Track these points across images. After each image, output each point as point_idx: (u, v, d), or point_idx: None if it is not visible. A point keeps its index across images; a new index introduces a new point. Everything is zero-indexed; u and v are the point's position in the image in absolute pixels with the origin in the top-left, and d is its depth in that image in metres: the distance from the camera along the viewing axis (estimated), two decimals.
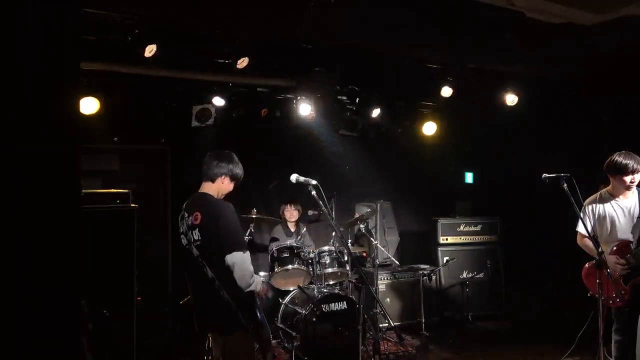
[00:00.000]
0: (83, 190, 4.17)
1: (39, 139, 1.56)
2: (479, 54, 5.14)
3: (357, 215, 6.27)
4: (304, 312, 4.78)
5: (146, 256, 5.08)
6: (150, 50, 4.20)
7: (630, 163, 3.96)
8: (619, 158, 4.01)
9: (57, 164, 1.58)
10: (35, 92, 1.56)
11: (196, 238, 3.20)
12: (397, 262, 6.27)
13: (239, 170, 3.37)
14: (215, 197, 3.30)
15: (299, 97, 5.92)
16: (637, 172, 3.98)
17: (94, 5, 3.74)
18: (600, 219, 4.20)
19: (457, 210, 7.14)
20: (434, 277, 6.14)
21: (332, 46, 4.85)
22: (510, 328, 6.31)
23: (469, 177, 7.70)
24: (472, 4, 3.79)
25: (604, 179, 5.47)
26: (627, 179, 3.98)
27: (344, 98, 6.22)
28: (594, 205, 4.27)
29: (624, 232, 4.08)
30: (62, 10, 1.60)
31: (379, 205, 6.55)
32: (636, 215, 4.06)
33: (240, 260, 3.08)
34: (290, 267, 5.27)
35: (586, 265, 4.22)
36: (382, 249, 6.19)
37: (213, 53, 4.62)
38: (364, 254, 6.47)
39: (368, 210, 6.50)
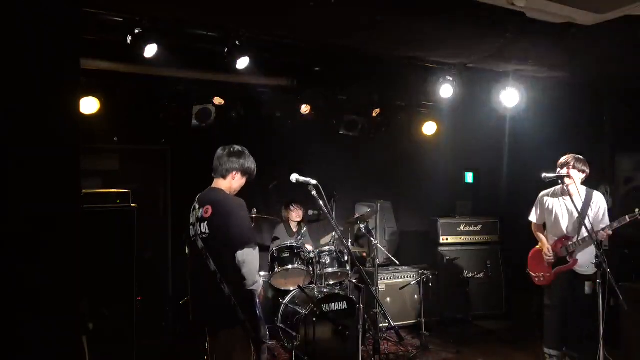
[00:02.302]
0: (83, 190, 4.17)
1: (39, 139, 1.56)
2: (479, 54, 5.13)
3: (357, 215, 6.27)
4: (304, 312, 4.78)
5: (146, 256, 5.08)
6: (150, 50, 4.20)
7: (570, 160, 4.56)
8: (570, 154, 4.62)
9: (57, 164, 1.58)
10: (35, 92, 1.56)
11: (204, 231, 3.22)
12: (397, 262, 6.28)
13: (251, 164, 3.38)
14: (227, 193, 3.32)
15: (299, 97, 5.92)
16: (570, 168, 4.53)
17: (94, 5, 3.74)
18: (547, 212, 4.78)
19: (457, 210, 7.14)
20: (433, 277, 6.14)
21: (332, 46, 4.85)
22: (510, 328, 6.31)
23: (469, 177, 7.70)
24: (472, 4, 3.78)
25: (603, 179, 5.49)
26: (562, 170, 4.54)
27: (344, 98, 6.23)
28: (546, 197, 4.84)
29: (566, 228, 4.67)
30: (62, 10, 1.60)
31: (379, 205, 6.55)
32: (576, 215, 4.53)
33: (251, 257, 3.12)
34: (290, 267, 5.27)
35: (536, 247, 4.94)
36: (382, 249, 6.19)
37: (213, 53, 4.62)
38: (364, 254, 6.47)
39: (368, 210, 6.50)
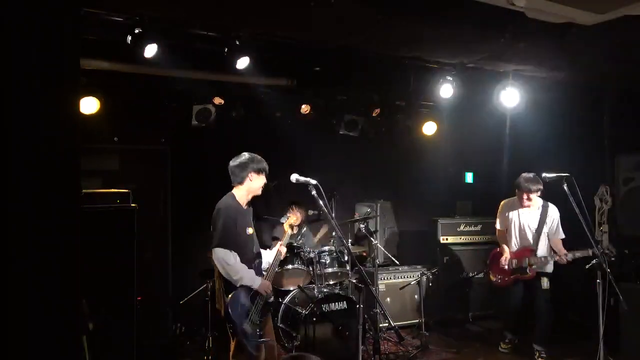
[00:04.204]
0: (83, 190, 4.17)
1: (39, 139, 1.56)
2: (479, 54, 5.13)
3: (357, 215, 6.27)
4: (304, 312, 4.78)
5: (146, 256, 5.08)
6: (150, 50, 4.20)
7: (530, 186, 4.96)
8: (525, 179, 5.01)
9: (57, 164, 1.58)
10: (35, 92, 1.56)
11: (212, 230, 3.64)
12: (397, 262, 6.27)
13: (261, 164, 3.74)
14: (240, 194, 3.70)
15: (299, 97, 5.91)
16: (532, 193, 4.98)
17: (94, 5, 3.74)
18: (507, 221, 5.31)
19: (457, 210, 7.14)
20: (433, 277, 6.14)
21: (332, 46, 4.85)
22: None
23: (469, 177, 7.69)
24: (472, 4, 3.78)
25: (603, 179, 5.49)
26: (524, 196, 5.03)
27: (344, 98, 6.23)
28: (506, 207, 5.36)
29: (523, 238, 5.17)
30: (62, 10, 1.60)
31: (379, 205, 6.55)
32: (534, 228, 5.08)
33: (218, 256, 3.49)
34: (290, 267, 5.27)
35: (496, 249, 5.42)
36: (382, 249, 6.19)
37: (213, 53, 4.62)
38: (364, 254, 6.47)
39: (368, 210, 6.50)
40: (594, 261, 3.98)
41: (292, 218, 4.24)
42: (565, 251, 4.86)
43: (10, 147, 1.51)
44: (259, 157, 3.77)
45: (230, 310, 3.51)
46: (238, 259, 3.57)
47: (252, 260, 3.70)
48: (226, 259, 3.49)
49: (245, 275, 3.55)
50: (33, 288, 1.53)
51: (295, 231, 6.07)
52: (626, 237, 5.30)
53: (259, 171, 3.71)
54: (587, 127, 5.83)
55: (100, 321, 3.89)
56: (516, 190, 5.16)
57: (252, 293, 3.62)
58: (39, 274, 1.53)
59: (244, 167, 3.68)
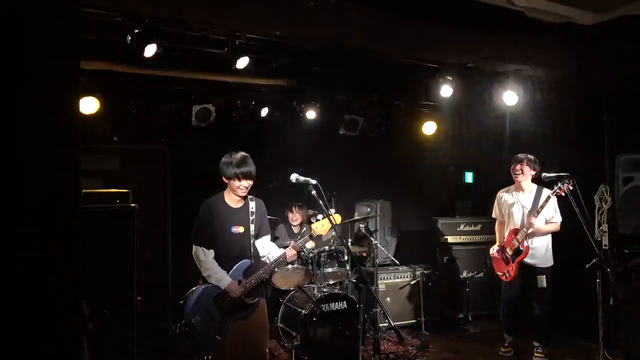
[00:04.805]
0: (83, 190, 4.17)
1: (39, 139, 1.56)
2: (479, 54, 5.13)
3: (357, 215, 6.27)
4: (304, 312, 4.78)
5: (146, 256, 5.08)
6: (150, 50, 4.20)
7: (521, 156, 4.98)
8: (521, 153, 5.02)
9: (57, 164, 1.58)
10: (35, 92, 1.56)
11: None
12: (397, 262, 6.27)
13: (229, 169, 3.55)
14: (228, 193, 3.67)
15: (298, 97, 5.92)
16: (524, 164, 4.94)
17: (94, 5, 3.74)
18: (504, 208, 5.25)
19: (457, 210, 7.14)
20: (433, 277, 6.14)
21: (332, 46, 4.85)
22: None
23: (469, 177, 7.69)
24: (472, 4, 3.78)
25: (603, 179, 5.48)
26: (517, 166, 4.99)
27: (344, 98, 6.23)
28: (502, 195, 5.32)
29: (519, 220, 5.04)
30: (62, 10, 1.60)
31: (379, 205, 6.55)
32: (528, 209, 4.97)
33: (193, 252, 3.60)
34: (290, 267, 5.27)
35: (494, 252, 5.24)
36: (382, 249, 6.19)
37: (213, 53, 4.62)
38: (364, 254, 6.47)
39: (368, 210, 6.50)
40: (594, 260, 3.98)
41: (326, 222, 3.74)
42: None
43: (9, 147, 1.51)
44: (237, 161, 3.51)
45: (184, 302, 3.53)
46: (210, 256, 3.54)
47: (234, 259, 3.60)
48: (197, 255, 3.56)
49: (213, 274, 3.51)
50: (33, 288, 1.53)
51: (297, 230, 6.07)
52: (626, 237, 5.29)
53: (228, 177, 3.55)
54: (587, 127, 5.82)
55: (100, 321, 3.89)
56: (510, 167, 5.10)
57: (219, 293, 3.53)
58: (39, 274, 1.53)
59: (220, 169, 3.60)
